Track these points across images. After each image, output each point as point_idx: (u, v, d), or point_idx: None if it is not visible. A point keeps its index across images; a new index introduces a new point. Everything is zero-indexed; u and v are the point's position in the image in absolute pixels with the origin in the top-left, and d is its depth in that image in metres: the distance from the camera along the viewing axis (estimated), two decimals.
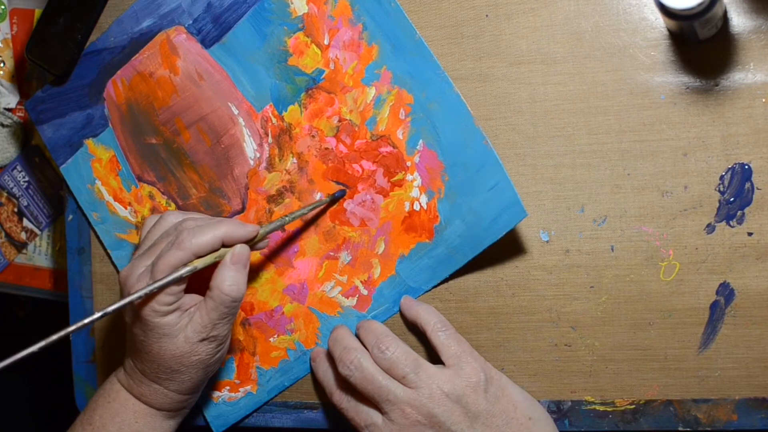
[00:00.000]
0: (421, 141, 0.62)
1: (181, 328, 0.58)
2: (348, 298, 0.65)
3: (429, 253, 0.62)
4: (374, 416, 0.59)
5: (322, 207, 0.65)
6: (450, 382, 0.58)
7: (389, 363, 0.58)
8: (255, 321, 0.67)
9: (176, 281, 0.56)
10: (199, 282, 0.60)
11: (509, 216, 0.59)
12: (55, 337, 0.52)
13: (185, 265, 0.57)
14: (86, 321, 0.53)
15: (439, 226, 0.62)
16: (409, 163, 0.62)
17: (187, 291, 0.59)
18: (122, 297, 0.57)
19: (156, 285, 0.55)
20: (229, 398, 0.68)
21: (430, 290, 0.63)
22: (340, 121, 0.64)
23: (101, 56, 0.70)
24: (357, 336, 0.63)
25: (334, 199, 0.64)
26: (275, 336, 0.66)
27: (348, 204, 0.64)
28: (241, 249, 0.58)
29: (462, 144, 0.60)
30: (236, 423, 0.68)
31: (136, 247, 0.64)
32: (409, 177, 0.62)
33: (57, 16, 0.71)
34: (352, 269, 0.64)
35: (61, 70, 0.70)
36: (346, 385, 0.61)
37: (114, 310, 0.54)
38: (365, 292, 0.64)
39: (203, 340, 0.59)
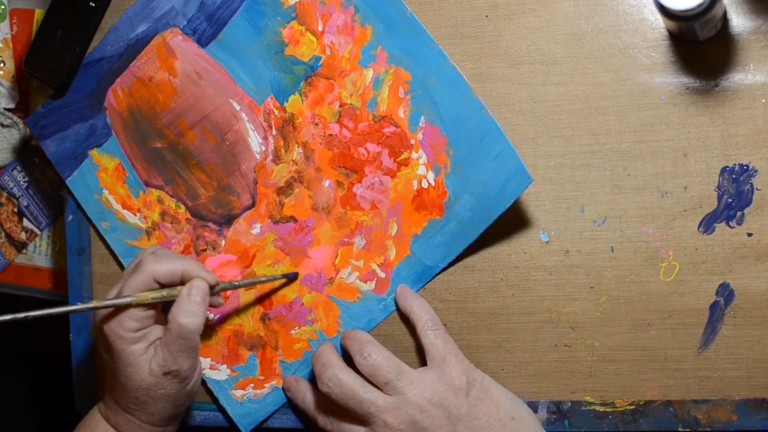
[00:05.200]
0: (422, 117, 0.62)
1: (147, 360, 0.59)
2: (366, 283, 0.65)
3: (441, 230, 0.62)
4: (358, 431, 0.59)
5: (274, 283, 0.66)
6: (432, 387, 0.58)
7: (372, 369, 0.59)
8: (275, 315, 0.67)
9: (117, 306, 0.57)
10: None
11: (516, 183, 0.60)
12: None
13: (129, 295, 0.58)
14: (7, 318, 0.53)
15: (449, 201, 0.62)
16: (413, 141, 0.62)
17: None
18: (95, 328, 0.60)
19: (92, 305, 0.56)
20: (255, 395, 0.67)
21: (447, 267, 0.63)
22: (341, 106, 0.64)
23: (99, 66, 0.70)
24: (342, 346, 0.63)
25: (289, 280, 0.66)
26: (296, 328, 0.66)
27: (357, 188, 0.64)
28: (199, 282, 0.60)
29: (463, 116, 0.61)
30: (266, 419, 0.68)
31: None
32: (414, 155, 0.63)
33: (55, 28, 0.71)
34: (367, 253, 0.64)
35: (61, 82, 0.70)
36: (327, 406, 0.62)
37: (43, 315, 0.54)
38: (383, 275, 0.64)
39: (167, 374, 0.59)
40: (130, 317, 0.58)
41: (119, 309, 0.58)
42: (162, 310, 0.62)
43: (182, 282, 0.60)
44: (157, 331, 0.60)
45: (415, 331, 0.62)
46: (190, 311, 0.58)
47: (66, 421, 0.76)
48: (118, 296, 0.58)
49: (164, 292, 0.59)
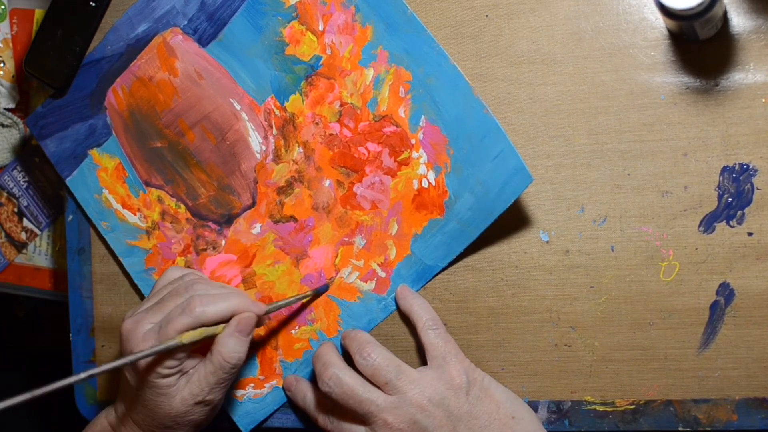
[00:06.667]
0: (423, 117, 0.62)
1: (179, 389, 0.59)
2: (366, 283, 0.65)
3: (442, 230, 0.62)
4: (358, 431, 0.59)
5: (307, 299, 0.66)
6: (432, 387, 0.58)
7: (372, 369, 0.59)
8: (275, 314, 0.67)
9: (161, 352, 0.56)
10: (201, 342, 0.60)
11: (516, 183, 0.60)
12: (44, 389, 0.51)
13: (174, 338, 0.57)
14: (82, 375, 0.53)
15: (449, 201, 0.62)
16: (413, 141, 0.62)
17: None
18: (122, 347, 0.59)
19: (144, 354, 0.55)
20: (255, 395, 0.67)
21: (447, 267, 0.63)
22: (341, 105, 0.64)
23: (99, 65, 0.70)
24: (342, 346, 0.63)
25: (318, 294, 0.65)
26: (297, 328, 0.66)
27: (357, 188, 0.64)
28: (248, 317, 0.59)
29: (463, 115, 0.61)
30: (266, 419, 0.68)
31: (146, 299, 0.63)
32: (414, 154, 0.63)
33: (55, 28, 0.71)
34: (367, 253, 0.64)
35: (61, 82, 0.70)
36: (327, 406, 0.62)
37: (109, 369, 0.53)
38: (383, 275, 0.64)
39: (198, 403, 0.59)
40: (172, 357, 0.58)
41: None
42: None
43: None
44: (190, 361, 0.60)
45: (416, 330, 0.62)
46: (236, 348, 0.58)
47: (66, 421, 0.76)
48: (158, 332, 0.57)
49: (209, 331, 0.58)
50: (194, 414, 0.60)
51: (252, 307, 0.59)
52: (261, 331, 0.67)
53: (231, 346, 0.58)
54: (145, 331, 0.58)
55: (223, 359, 0.58)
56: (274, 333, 0.67)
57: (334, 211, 0.65)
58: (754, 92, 0.58)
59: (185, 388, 0.59)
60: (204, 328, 0.58)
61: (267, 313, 0.61)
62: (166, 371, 0.58)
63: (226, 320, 0.59)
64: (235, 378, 0.60)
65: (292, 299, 0.64)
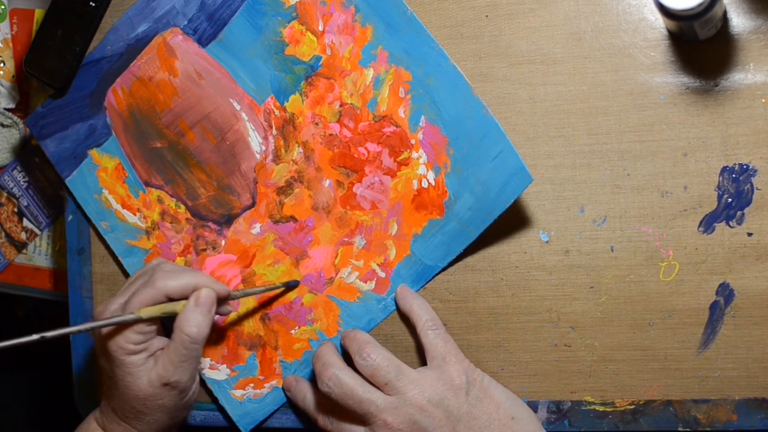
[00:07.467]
0: (423, 117, 0.62)
1: (146, 371, 0.59)
2: (366, 283, 0.65)
3: (441, 230, 0.62)
4: (357, 431, 0.59)
5: (277, 291, 0.67)
6: (431, 387, 0.58)
7: (372, 370, 0.59)
8: (275, 315, 0.67)
9: (119, 324, 0.58)
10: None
11: (516, 183, 0.60)
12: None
13: (133, 312, 0.58)
14: (23, 340, 0.55)
15: (449, 201, 0.62)
16: (413, 141, 0.62)
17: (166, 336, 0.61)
18: (97, 337, 0.60)
19: (101, 324, 0.57)
20: (255, 395, 0.67)
21: (447, 267, 0.63)
22: (341, 105, 0.64)
23: (99, 65, 0.70)
24: (342, 346, 0.63)
25: (289, 287, 0.66)
26: (296, 328, 0.66)
27: (357, 188, 0.64)
28: (207, 293, 0.60)
29: (463, 115, 0.61)
30: (266, 419, 0.68)
31: None
32: (414, 155, 0.63)
33: (55, 29, 0.71)
34: (367, 253, 0.64)
35: (61, 82, 0.70)
36: (327, 407, 0.62)
37: (58, 335, 0.55)
38: (383, 275, 0.64)
39: (166, 385, 0.59)
40: (135, 331, 0.58)
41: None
42: (163, 321, 0.62)
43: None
44: (158, 342, 0.60)
45: (415, 330, 0.62)
46: (195, 321, 0.59)
47: (66, 421, 0.76)
48: (123, 308, 0.59)
49: (169, 308, 0.59)
50: (163, 398, 0.60)
51: (214, 285, 0.60)
52: (261, 330, 0.67)
53: (188, 319, 0.58)
54: (112, 311, 0.59)
55: (182, 332, 0.58)
56: (273, 333, 0.67)
57: (334, 211, 0.65)
58: (754, 92, 0.58)
59: (153, 370, 0.59)
60: (164, 305, 0.59)
61: (232, 298, 0.62)
62: (131, 347, 0.58)
63: (188, 296, 0.60)
64: (199, 357, 0.60)
65: (261, 288, 0.65)
